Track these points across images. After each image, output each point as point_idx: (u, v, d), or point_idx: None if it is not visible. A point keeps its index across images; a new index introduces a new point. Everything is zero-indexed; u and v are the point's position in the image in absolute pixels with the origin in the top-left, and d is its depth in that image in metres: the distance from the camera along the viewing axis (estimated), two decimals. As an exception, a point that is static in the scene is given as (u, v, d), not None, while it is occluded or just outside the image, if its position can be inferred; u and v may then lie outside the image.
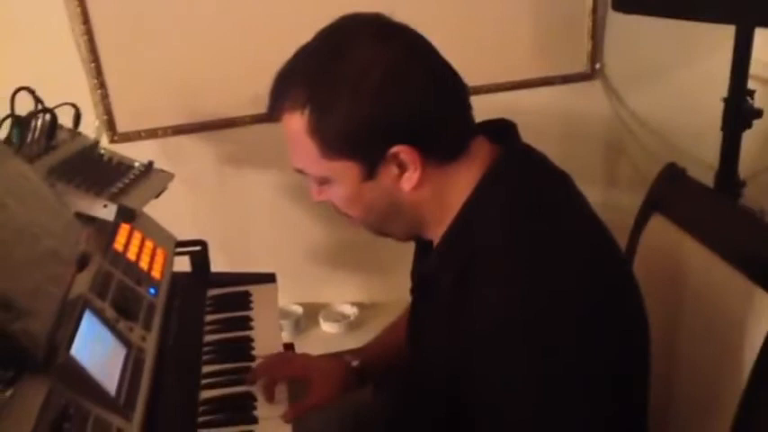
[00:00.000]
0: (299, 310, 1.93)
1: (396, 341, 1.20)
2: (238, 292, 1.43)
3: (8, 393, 0.77)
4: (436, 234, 0.90)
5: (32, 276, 0.84)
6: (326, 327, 1.93)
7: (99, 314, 1.00)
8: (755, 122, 1.56)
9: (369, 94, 0.81)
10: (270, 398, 1.12)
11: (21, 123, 1.18)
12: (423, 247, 1.02)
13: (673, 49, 1.89)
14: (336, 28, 0.87)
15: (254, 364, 1.21)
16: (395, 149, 0.83)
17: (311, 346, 1.70)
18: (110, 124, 1.63)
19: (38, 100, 1.23)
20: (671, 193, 1.21)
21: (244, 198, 1.82)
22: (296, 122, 0.85)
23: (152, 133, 1.63)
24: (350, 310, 1.96)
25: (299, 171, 0.91)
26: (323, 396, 1.15)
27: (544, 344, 0.79)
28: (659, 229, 1.20)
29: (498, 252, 0.82)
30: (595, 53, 1.89)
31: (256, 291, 1.44)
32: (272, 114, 0.88)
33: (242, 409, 1.11)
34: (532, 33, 1.84)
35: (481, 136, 0.90)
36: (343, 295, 1.95)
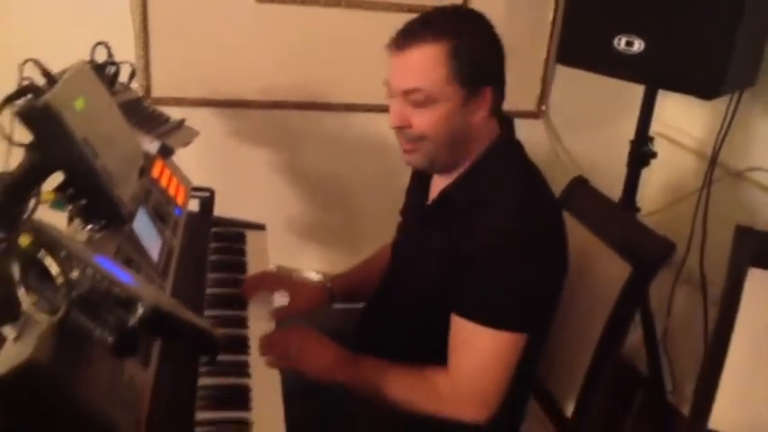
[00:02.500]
0: (273, 268, 2.26)
1: (362, 276, 1.61)
2: (235, 232, 1.78)
3: (98, 235, 1.11)
4: (454, 172, 1.27)
5: (125, 164, 1.19)
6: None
7: (147, 210, 1.35)
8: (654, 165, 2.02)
9: (483, 45, 1.20)
10: (252, 293, 1.48)
11: (97, 68, 1.52)
12: (423, 181, 1.39)
13: (602, 102, 2.32)
14: (456, 5, 1.28)
15: (245, 276, 1.56)
16: (486, 89, 1.20)
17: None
18: (146, 88, 1.99)
19: (111, 55, 1.57)
20: (576, 197, 1.63)
21: (242, 169, 2.19)
22: (435, 50, 1.16)
23: (179, 101, 1.99)
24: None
25: (406, 94, 1.19)
26: (299, 306, 1.53)
27: (531, 255, 1.17)
28: (567, 221, 1.61)
29: (504, 195, 1.21)
30: (543, 97, 2.33)
31: (249, 234, 1.79)
32: (410, 39, 1.17)
33: (237, 305, 1.46)
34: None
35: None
36: (311, 264, 2.30)
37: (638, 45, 1.74)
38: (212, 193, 1.82)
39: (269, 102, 2.11)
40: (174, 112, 1.77)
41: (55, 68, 1.12)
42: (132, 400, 0.96)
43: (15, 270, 0.86)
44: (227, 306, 1.45)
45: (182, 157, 1.70)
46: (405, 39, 1.19)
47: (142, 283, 0.98)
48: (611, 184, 2.06)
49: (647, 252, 1.35)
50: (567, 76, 2.28)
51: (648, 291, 1.96)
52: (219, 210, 1.84)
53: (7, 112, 0.99)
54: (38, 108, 0.99)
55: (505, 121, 1.32)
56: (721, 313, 1.44)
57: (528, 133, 2.34)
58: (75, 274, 0.84)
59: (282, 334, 1.33)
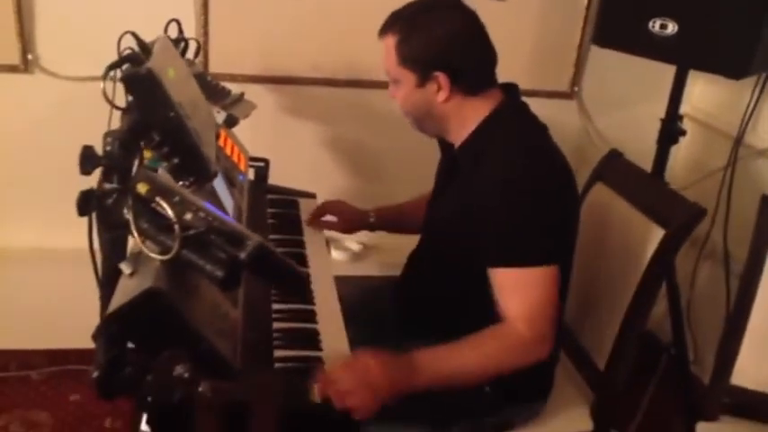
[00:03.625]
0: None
1: (399, 213, 1.84)
2: (290, 199, 1.92)
3: (190, 189, 1.24)
4: (458, 139, 1.42)
5: (208, 128, 1.32)
6: (336, 255, 2.41)
7: (221, 173, 1.49)
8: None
9: (436, 37, 1.34)
10: (315, 218, 1.79)
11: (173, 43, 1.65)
12: (445, 146, 1.53)
13: (632, 83, 2.42)
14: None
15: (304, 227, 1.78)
16: (437, 73, 1.35)
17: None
18: (204, 64, 2.12)
19: (181, 32, 1.70)
20: (610, 168, 1.74)
21: (292, 141, 2.32)
22: (391, 39, 1.37)
23: (234, 77, 2.12)
24: (355, 246, 2.44)
25: (387, 73, 1.42)
26: (344, 227, 1.83)
27: (539, 192, 1.30)
28: (600, 191, 1.73)
29: (505, 147, 1.36)
30: (576, 78, 2.43)
31: (302, 202, 1.93)
32: (381, 32, 1.40)
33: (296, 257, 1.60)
34: (531, 53, 2.37)
35: (498, 88, 1.42)
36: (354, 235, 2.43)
37: (672, 27, 1.84)
38: (267, 162, 1.95)
39: (317, 78, 2.24)
40: (230, 87, 1.89)
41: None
42: (228, 330, 1.10)
43: (129, 215, 1.00)
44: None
45: (240, 129, 1.83)
46: (381, 28, 1.41)
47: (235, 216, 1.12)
48: (639, 162, 2.17)
49: (678, 217, 1.46)
50: (598, 59, 2.39)
51: (675, 263, 2.09)
52: (272, 179, 1.98)
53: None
54: (142, 74, 1.11)
55: (508, 90, 1.45)
56: (745, 273, 1.56)
57: (561, 113, 2.51)
58: (188, 216, 0.98)
59: (343, 381, 1.18)
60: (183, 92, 1.26)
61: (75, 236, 1.11)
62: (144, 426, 1.31)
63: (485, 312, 1.34)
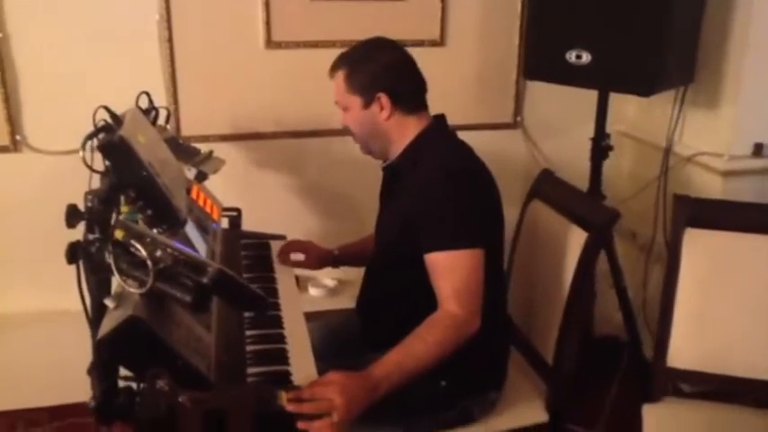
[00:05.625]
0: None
1: (359, 247, 2.03)
2: (261, 242, 2.11)
3: (165, 233, 1.43)
4: (398, 151, 1.66)
5: (178, 183, 1.52)
6: (313, 291, 2.60)
7: (193, 220, 1.68)
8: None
9: (378, 66, 1.62)
10: (284, 255, 1.97)
11: (144, 112, 1.86)
12: (386, 169, 1.75)
13: (570, 108, 2.63)
14: (371, 38, 1.69)
15: (275, 265, 1.95)
16: (379, 94, 1.61)
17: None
18: (177, 129, 2.34)
19: (151, 102, 1.91)
20: (544, 185, 1.94)
21: (263, 190, 2.53)
22: (341, 74, 1.65)
23: (205, 138, 2.34)
24: (330, 283, 2.63)
25: (337, 104, 1.69)
26: (311, 264, 2.04)
27: (462, 187, 1.53)
28: (536, 206, 1.93)
29: (436, 154, 1.60)
30: (517, 109, 2.66)
31: (273, 244, 2.11)
32: (331, 70, 1.68)
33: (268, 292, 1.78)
34: (475, 90, 2.61)
35: (429, 113, 1.68)
36: (326, 271, 2.62)
37: (586, 57, 2.07)
38: (239, 211, 2.15)
39: (281, 132, 2.47)
40: (203, 147, 2.11)
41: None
42: (203, 351, 1.27)
43: (110, 259, 1.19)
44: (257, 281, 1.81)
45: (213, 183, 2.03)
46: (331, 67, 1.69)
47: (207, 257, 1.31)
48: (583, 178, 2.38)
49: (597, 220, 1.66)
50: (536, 90, 2.62)
51: (620, 266, 2.28)
52: (245, 226, 2.17)
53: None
54: (115, 141, 1.30)
55: (437, 117, 1.70)
56: (668, 266, 1.75)
57: (508, 142, 2.73)
58: (158, 253, 1.17)
59: (315, 395, 1.32)
60: (153, 153, 1.46)
61: (67, 299, 1.29)
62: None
63: (432, 309, 1.51)
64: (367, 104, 1.64)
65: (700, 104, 2.33)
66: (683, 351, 1.78)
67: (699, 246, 1.73)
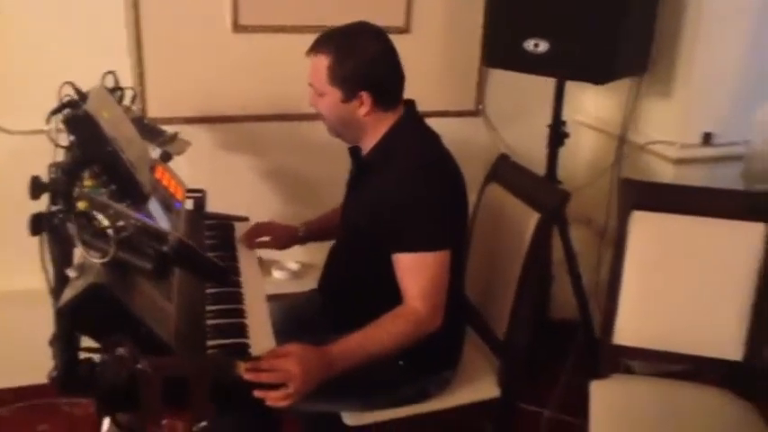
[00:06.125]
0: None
1: (324, 223, 2.05)
2: (224, 223, 2.14)
3: (129, 207, 1.47)
4: (370, 144, 1.67)
5: (142, 160, 1.55)
6: (277, 275, 2.64)
7: (157, 198, 1.71)
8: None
9: (364, 62, 1.59)
10: (249, 238, 1.97)
11: (109, 92, 1.89)
12: (355, 154, 1.76)
13: (530, 96, 2.69)
14: (357, 24, 1.64)
15: (238, 246, 1.97)
16: (363, 93, 1.59)
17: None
18: (143, 110, 2.36)
19: (117, 81, 1.93)
20: (500, 169, 2.01)
21: (228, 173, 2.56)
22: (324, 60, 1.59)
23: (171, 120, 2.36)
24: (294, 266, 2.67)
25: (311, 85, 1.64)
26: (276, 244, 2.03)
27: (434, 189, 1.56)
28: (493, 190, 2.00)
29: (406, 152, 1.62)
30: (479, 97, 2.73)
31: (237, 225, 2.15)
32: (312, 50, 1.61)
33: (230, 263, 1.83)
34: (439, 78, 2.66)
35: (401, 103, 1.68)
36: (290, 253, 2.66)
37: (543, 46, 2.14)
38: (204, 193, 2.18)
39: (247, 116, 2.50)
40: (168, 129, 2.13)
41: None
42: (164, 320, 1.31)
43: (73, 230, 1.22)
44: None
45: (178, 165, 2.06)
46: (312, 47, 1.63)
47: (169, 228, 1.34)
48: (542, 164, 2.46)
49: (550, 201, 1.73)
50: (498, 77, 2.68)
51: (573, 248, 2.36)
52: (210, 207, 2.20)
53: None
54: (80, 116, 1.34)
55: (407, 104, 1.70)
56: (615, 248, 1.83)
57: (470, 130, 2.80)
58: (120, 223, 1.20)
59: (273, 365, 1.37)
60: (118, 129, 1.49)
61: (31, 279, 1.31)
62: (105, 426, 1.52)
63: (393, 295, 1.58)
64: (347, 99, 1.61)
65: (653, 94, 2.42)
66: (630, 329, 1.86)
67: (644, 228, 1.81)
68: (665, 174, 2.36)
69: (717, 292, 1.81)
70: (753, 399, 1.77)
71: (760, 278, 1.77)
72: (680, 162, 2.33)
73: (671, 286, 1.83)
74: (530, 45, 2.16)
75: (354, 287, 1.75)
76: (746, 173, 2.30)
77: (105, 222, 1.20)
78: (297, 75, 1.70)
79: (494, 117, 2.78)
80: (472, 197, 1.91)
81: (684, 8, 2.27)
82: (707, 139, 2.33)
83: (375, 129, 1.66)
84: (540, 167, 2.44)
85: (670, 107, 2.37)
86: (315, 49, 1.62)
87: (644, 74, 2.38)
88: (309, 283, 2.08)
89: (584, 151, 2.77)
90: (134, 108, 2.13)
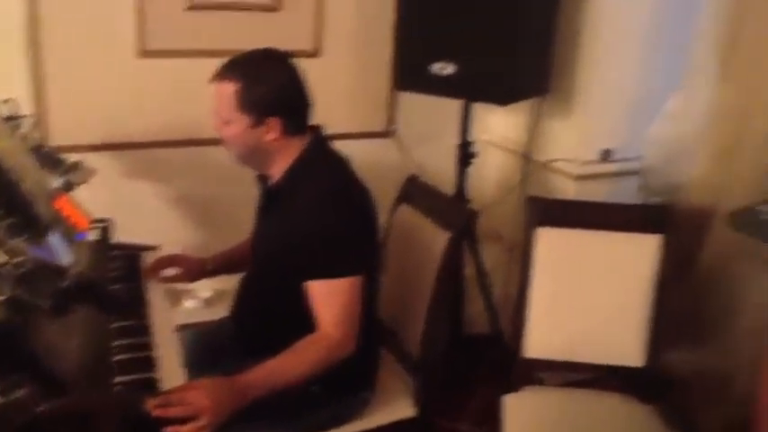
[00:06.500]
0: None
1: (233, 255, 2.02)
2: (131, 253, 2.08)
3: (27, 241, 1.41)
4: (278, 172, 1.66)
5: (41, 191, 1.49)
6: (189, 304, 2.58)
7: (58, 232, 1.65)
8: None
9: (272, 87, 1.58)
10: (152, 275, 1.88)
11: (6, 120, 1.81)
12: (263, 181, 1.75)
13: (442, 117, 2.75)
14: (263, 50, 1.63)
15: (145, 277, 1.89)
16: (270, 119, 1.59)
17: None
18: (45, 138, 2.27)
19: (15, 109, 1.86)
20: (410, 190, 2.05)
21: (135, 200, 2.49)
22: (230, 86, 1.56)
23: (75, 148, 2.26)
24: (206, 293, 2.61)
25: (216, 113, 1.61)
26: (185, 277, 1.97)
27: (344, 218, 1.57)
28: (403, 211, 2.03)
29: (315, 179, 1.61)
30: (391, 118, 2.77)
31: (144, 255, 2.09)
32: (217, 77, 1.59)
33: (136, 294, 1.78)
34: (349, 100, 2.68)
35: (309, 128, 1.68)
36: (204, 282, 2.60)
37: (450, 69, 2.20)
38: (109, 223, 2.11)
39: (154, 142, 2.45)
40: (72, 157, 2.06)
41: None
42: (67, 359, 1.27)
43: (-36, 268, 1.16)
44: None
45: (82, 194, 1.99)
46: (217, 74, 1.61)
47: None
48: (453, 184, 2.51)
49: (458, 220, 1.77)
50: (410, 99, 2.72)
51: (484, 263, 2.42)
52: (117, 238, 2.13)
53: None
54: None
55: (314, 129, 1.71)
56: (521, 263, 1.89)
57: (382, 151, 2.83)
58: (17, 259, 1.16)
59: (183, 399, 1.34)
60: (15, 159, 1.44)
61: None
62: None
63: (306, 322, 1.58)
64: (255, 125, 1.59)
65: (554, 114, 2.53)
66: (539, 342, 1.92)
67: (550, 243, 1.88)
68: (568, 190, 2.46)
69: (618, 302, 1.90)
70: (653, 401, 1.86)
71: (657, 287, 1.87)
72: (581, 178, 2.43)
73: (576, 299, 1.91)
74: (437, 68, 2.21)
75: (266, 315, 1.74)
76: (643, 187, 2.42)
77: (2, 258, 1.16)
78: (204, 99, 1.68)
79: (405, 138, 2.82)
80: (384, 218, 1.94)
81: (579, 33, 2.38)
82: (605, 155, 2.44)
83: (283, 155, 1.65)
84: (451, 186, 2.49)
85: (570, 126, 2.48)
86: (220, 76, 1.60)
87: (545, 95, 2.48)
88: (222, 311, 2.05)
89: (492, 169, 2.85)
90: (33, 136, 2.06)
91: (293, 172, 1.65)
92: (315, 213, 1.57)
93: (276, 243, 1.67)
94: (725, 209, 1.97)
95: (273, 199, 1.71)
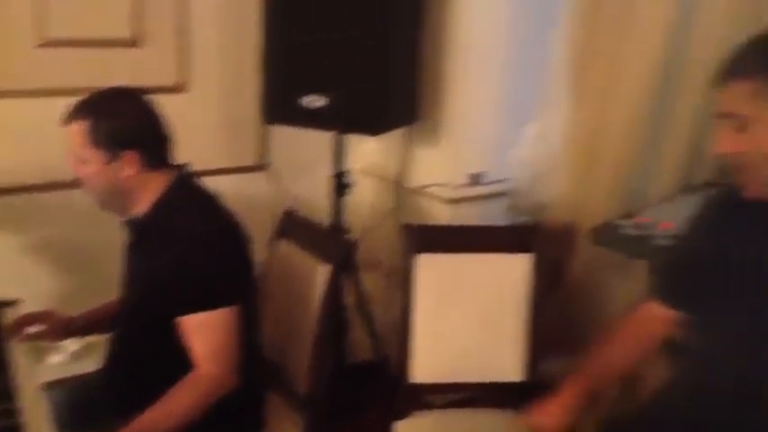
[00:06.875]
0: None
1: (100, 312, 1.90)
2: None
3: None
4: (141, 210, 1.60)
5: None
6: (55, 358, 2.41)
7: None
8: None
9: (123, 120, 1.54)
10: (18, 329, 1.75)
11: None
12: (128, 226, 1.68)
13: (317, 149, 2.74)
14: (110, 88, 1.60)
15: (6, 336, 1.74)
16: (125, 153, 1.54)
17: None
18: None
19: None
20: (288, 225, 2.03)
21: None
22: (81, 125, 1.53)
23: None
24: (74, 346, 2.43)
25: (72, 155, 1.56)
26: (49, 336, 1.84)
27: (209, 251, 1.53)
28: (282, 246, 2.01)
29: (182, 214, 1.58)
30: (264, 152, 2.74)
31: (4, 311, 1.94)
32: (67, 120, 1.55)
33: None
34: (219, 135, 2.64)
35: (172, 165, 1.64)
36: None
37: (320, 101, 2.21)
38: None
39: (10, 188, 2.28)
40: None
41: None
42: None
43: None
44: None
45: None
46: (66, 116, 1.57)
47: None
48: (328, 214, 2.51)
49: (338, 252, 1.78)
50: (284, 132, 2.70)
51: (364, 293, 2.44)
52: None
53: None
54: None
55: (180, 167, 1.68)
56: (403, 290, 1.92)
57: (255, 184, 2.78)
58: None
59: None
60: None
61: None
62: None
63: (183, 366, 1.52)
64: (110, 161, 1.55)
65: (425, 141, 2.60)
66: (425, 366, 1.95)
67: (429, 268, 1.92)
68: (442, 214, 2.53)
69: (496, 320, 1.97)
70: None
71: (529, 303, 1.95)
72: (453, 202, 2.51)
73: (457, 321, 1.96)
74: (307, 101, 2.21)
75: (141, 362, 1.65)
76: (512, 207, 2.54)
77: None
78: (61, 139, 1.59)
79: (280, 171, 2.79)
80: (263, 254, 1.90)
81: (444, 62, 2.47)
82: (475, 179, 2.53)
83: (145, 192, 1.60)
84: (328, 217, 2.49)
85: (440, 152, 2.55)
86: (69, 117, 1.57)
87: (414, 123, 2.54)
88: (92, 364, 1.92)
89: (368, 197, 2.87)
90: None
91: (158, 209, 1.61)
92: (183, 249, 1.54)
93: (145, 282, 1.61)
94: (586, 225, 2.09)
95: (139, 237, 1.66)
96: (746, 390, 1.26)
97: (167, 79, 2.49)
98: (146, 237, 1.63)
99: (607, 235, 1.91)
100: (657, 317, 1.48)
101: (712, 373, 1.34)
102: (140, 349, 1.66)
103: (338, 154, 2.41)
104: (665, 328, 1.47)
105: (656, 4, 2.00)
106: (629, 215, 1.97)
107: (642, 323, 1.52)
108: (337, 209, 2.43)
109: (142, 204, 1.62)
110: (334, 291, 1.77)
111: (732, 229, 1.32)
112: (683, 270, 1.46)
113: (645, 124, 2.10)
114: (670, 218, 1.85)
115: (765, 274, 1.24)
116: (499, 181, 2.58)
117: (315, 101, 2.22)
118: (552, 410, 1.47)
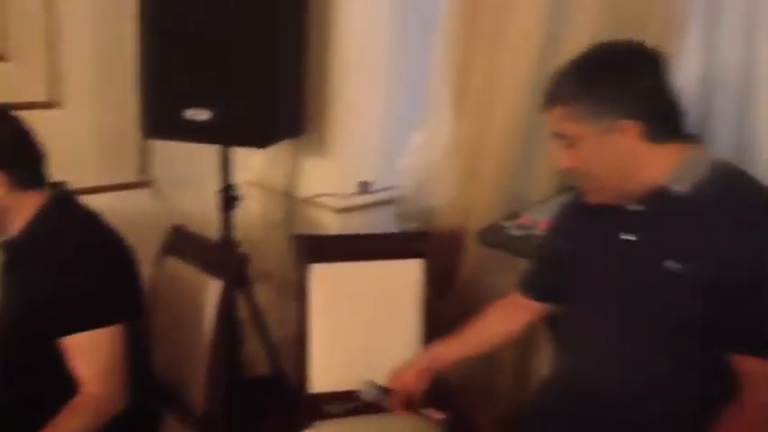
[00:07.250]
0: None
1: None
2: None
3: None
4: (16, 229, 1.54)
5: None
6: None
7: None
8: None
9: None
10: None
11: None
12: (7, 249, 1.60)
13: (203, 163, 2.68)
14: None
15: None
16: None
17: None
18: None
19: None
20: (176, 241, 1.98)
21: None
22: None
23: None
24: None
25: None
26: None
27: (88, 268, 1.48)
28: (170, 263, 1.96)
29: (59, 233, 1.53)
30: (146, 167, 2.65)
31: None
32: None
33: None
34: (96, 152, 2.53)
35: (46, 184, 1.57)
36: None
37: (204, 114, 2.16)
38: None
39: None
40: None
41: None
42: None
43: None
44: None
45: None
46: None
47: None
48: (219, 228, 2.47)
49: (229, 267, 1.75)
50: (167, 147, 2.62)
51: (258, 306, 2.41)
52: None
53: None
54: None
55: (57, 185, 1.63)
56: (297, 300, 1.92)
57: (138, 201, 2.69)
58: None
59: None
60: None
61: None
62: None
63: (69, 391, 1.46)
64: None
65: (313, 151, 2.60)
66: (323, 376, 1.96)
67: (322, 278, 1.94)
68: (332, 223, 2.54)
69: (391, 325, 2.00)
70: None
71: (423, 307, 2.00)
72: (343, 211, 2.52)
73: (353, 328, 1.98)
74: (190, 114, 2.16)
75: (23, 390, 1.56)
76: (400, 214, 2.58)
77: None
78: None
79: (165, 186, 2.71)
80: (148, 272, 1.84)
81: (328, 73, 2.49)
82: (363, 187, 2.56)
83: (18, 212, 1.54)
84: (217, 231, 2.44)
85: (328, 162, 2.57)
86: None
87: (301, 134, 2.54)
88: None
89: (258, 210, 2.84)
90: None
91: (32, 229, 1.55)
92: (60, 269, 1.49)
93: (23, 307, 1.54)
94: (473, 228, 2.17)
95: (14, 258, 1.59)
96: (620, 380, 1.37)
97: (38, 95, 2.37)
98: (20, 258, 1.56)
99: (493, 236, 1.99)
100: (519, 304, 1.66)
101: (586, 364, 1.44)
102: (23, 376, 1.57)
103: (225, 167, 2.37)
104: (529, 315, 1.66)
105: (527, 19, 2.09)
106: (512, 216, 2.05)
107: (506, 308, 1.70)
108: (227, 223, 2.39)
109: (15, 225, 1.55)
110: (227, 306, 1.75)
111: (582, 230, 1.47)
112: (547, 266, 1.60)
113: (522, 132, 2.20)
114: (547, 217, 1.95)
115: (613, 269, 1.37)
116: (387, 189, 2.62)
117: (198, 114, 2.17)
118: (404, 376, 1.65)
